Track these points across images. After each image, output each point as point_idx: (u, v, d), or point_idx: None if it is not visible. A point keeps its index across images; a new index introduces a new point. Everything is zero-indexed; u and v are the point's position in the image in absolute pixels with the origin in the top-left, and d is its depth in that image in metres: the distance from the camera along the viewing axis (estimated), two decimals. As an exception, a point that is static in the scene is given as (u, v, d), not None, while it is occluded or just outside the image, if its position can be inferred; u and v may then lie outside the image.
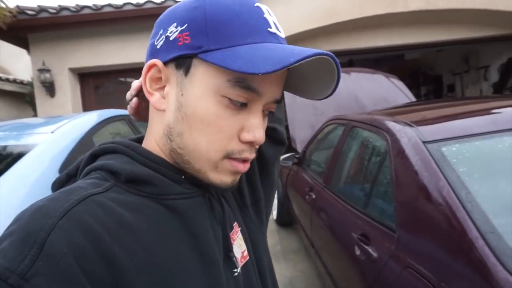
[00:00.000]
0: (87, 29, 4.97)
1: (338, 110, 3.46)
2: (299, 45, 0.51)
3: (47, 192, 1.37)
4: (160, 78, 0.47)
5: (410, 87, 3.86)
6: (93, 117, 2.04)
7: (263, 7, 0.46)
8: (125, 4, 4.92)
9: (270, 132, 0.67)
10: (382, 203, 1.57)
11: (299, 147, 3.62)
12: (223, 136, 0.44)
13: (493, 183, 1.20)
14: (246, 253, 0.56)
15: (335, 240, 1.89)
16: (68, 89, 5.16)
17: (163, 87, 0.47)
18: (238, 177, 0.49)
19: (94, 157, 0.49)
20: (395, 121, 1.64)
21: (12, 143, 1.59)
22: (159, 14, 0.50)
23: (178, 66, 0.45)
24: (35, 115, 5.63)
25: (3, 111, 6.21)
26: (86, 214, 0.38)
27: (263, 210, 0.64)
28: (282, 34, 0.47)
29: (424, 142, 1.35)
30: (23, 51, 5.77)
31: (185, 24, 0.44)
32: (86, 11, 4.85)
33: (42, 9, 4.79)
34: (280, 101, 0.48)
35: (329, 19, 5.28)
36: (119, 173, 0.45)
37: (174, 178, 0.47)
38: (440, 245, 1.10)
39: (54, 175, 1.42)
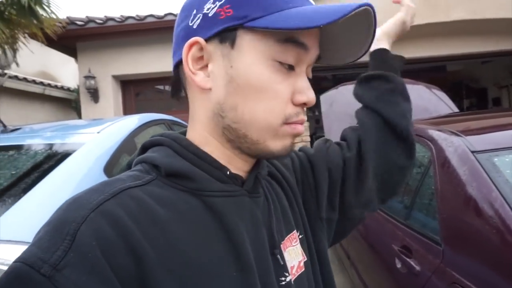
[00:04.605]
0: (129, 38, 5.19)
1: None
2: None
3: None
4: (201, 58, 0.46)
5: (451, 100, 3.70)
6: (135, 120, 2.11)
7: None
8: (166, 14, 5.10)
9: None
10: (425, 214, 1.50)
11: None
12: (280, 100, 0.44)
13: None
14: (302, 263, 0.53)
15: (373, 252, 1.82)
16: (110, 95, 5.39)
17: (205, 66, 0.46)
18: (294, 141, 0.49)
19: (144, 149, 0.50)
20: (440, 130, 1.58)
21: (61, 141, 1.68)
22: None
23: (222, 40, 0.44)
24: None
25: (52, 116, 6.56)
26: (118, 207, 0.38)
27: (332, 231, 0.63)
28: None
29: (473, 152, 1.28)
30: (69, 59, 6.11)
31: None
32: (130, 21, 5.08)
33: (90, 20, 5.06)
34: (318, 58, 0.49)
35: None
36: (159, 166, 0.45)
37: (216, 175, 0.46)
38: (491, 261, 1.03)
39: (99, 173, 1.47)
